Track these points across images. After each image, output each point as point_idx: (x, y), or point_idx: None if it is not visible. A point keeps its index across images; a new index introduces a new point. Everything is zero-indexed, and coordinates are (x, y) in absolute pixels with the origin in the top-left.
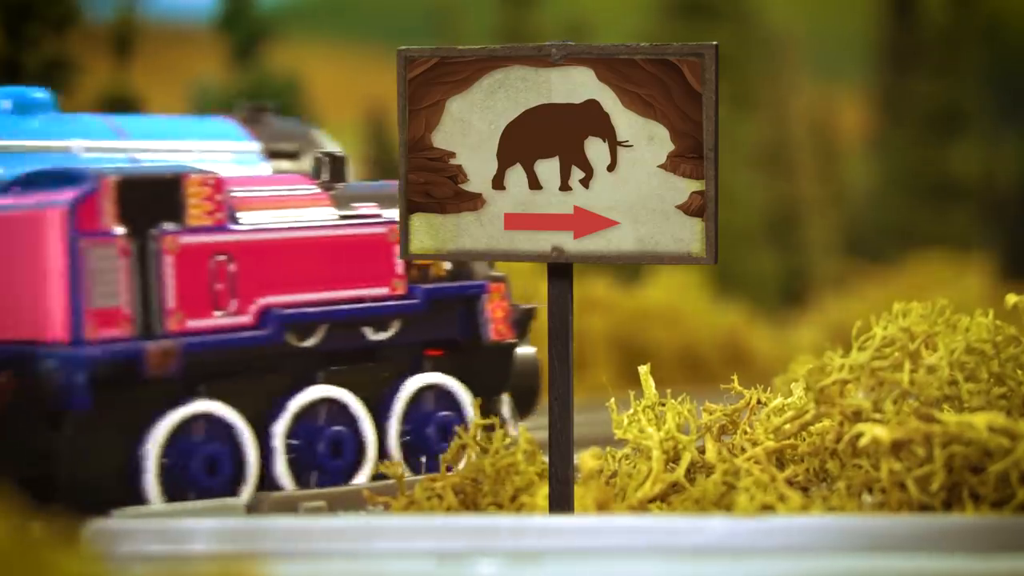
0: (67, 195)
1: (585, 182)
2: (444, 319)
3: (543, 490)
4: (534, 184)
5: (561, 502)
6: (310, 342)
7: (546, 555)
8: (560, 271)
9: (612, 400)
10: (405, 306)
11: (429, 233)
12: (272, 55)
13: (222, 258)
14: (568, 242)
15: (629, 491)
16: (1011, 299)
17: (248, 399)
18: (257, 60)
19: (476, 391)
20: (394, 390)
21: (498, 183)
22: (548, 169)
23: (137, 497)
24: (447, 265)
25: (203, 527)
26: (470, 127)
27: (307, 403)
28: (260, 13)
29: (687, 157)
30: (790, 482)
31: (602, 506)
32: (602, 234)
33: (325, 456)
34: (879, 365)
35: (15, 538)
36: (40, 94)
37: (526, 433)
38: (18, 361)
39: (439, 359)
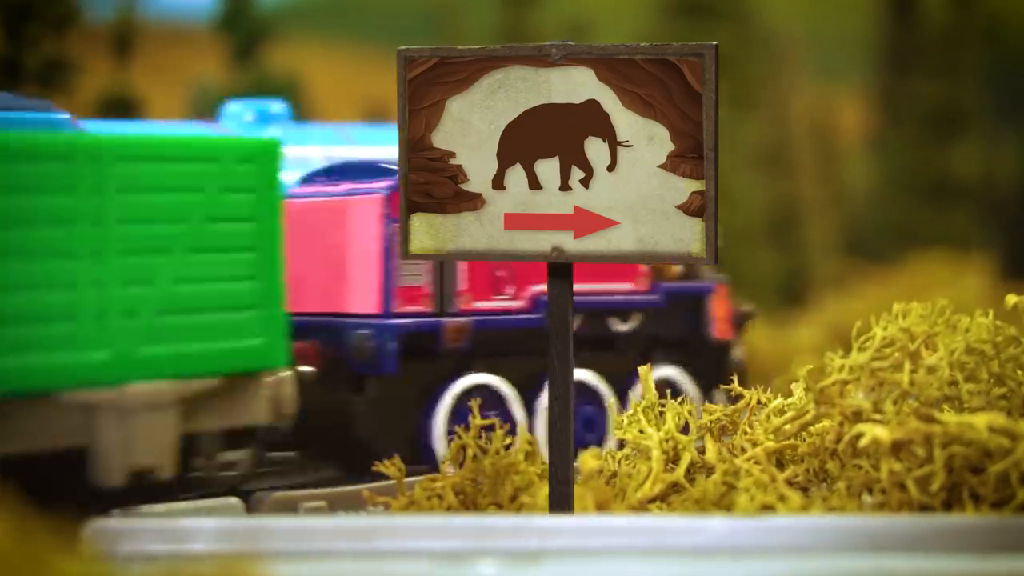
0: (381, 185)
1: (585, 182)
2: (677, 315)
3: (543, 490)
4: (534, 184)
5: (561, 502)
6: None
7: (546, 555)
8: (560, 271)
9: (612, 400)
10: (648, 301)
11: (429, 233)
12: (272, 55)
13: None
14: (568, 242)
15: (629, 491)
16: (1011, 299)
17: (516, 376)
18: (257, 60)
19: (698, 384)
20: (634, 376)
21: (498, 183)
22: (548, 169)
23: (427, 456)
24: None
25: (203, 527)
26: (470, 127)
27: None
28: (260, 13)
29: (687, 157)
30: (790, 482)
31: (602, 506)
32: (602, 234)
33: (578, 432)
34: (879, 365)
35: (15, 538)
36: (278, 107)
37: (526, 433)
38: (327, 331)
39: (667, 352)
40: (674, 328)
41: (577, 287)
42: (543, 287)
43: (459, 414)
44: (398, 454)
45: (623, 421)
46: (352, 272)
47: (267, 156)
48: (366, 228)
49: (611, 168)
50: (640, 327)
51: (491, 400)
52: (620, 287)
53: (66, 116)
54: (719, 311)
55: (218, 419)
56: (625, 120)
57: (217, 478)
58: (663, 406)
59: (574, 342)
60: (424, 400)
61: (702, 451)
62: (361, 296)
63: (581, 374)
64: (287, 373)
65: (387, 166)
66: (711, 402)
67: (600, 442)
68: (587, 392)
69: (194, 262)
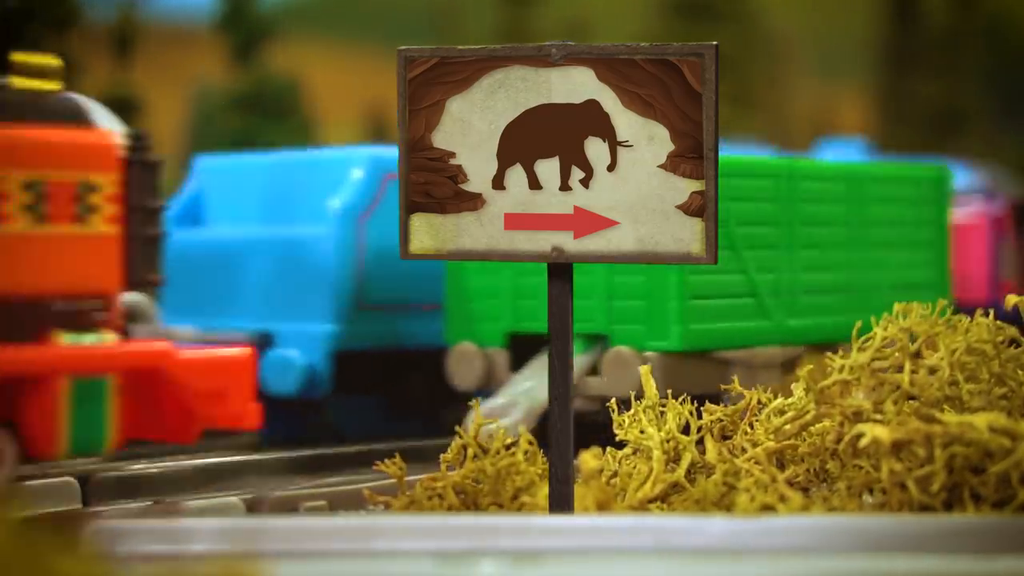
0: (990, 210)
1: (585, 182)
2: None
3: (543, 490)
4: (534, 184)
5: (561, 502)
6: None
7: (546, 555)
8: (560, 271)
9: (613, 400)
10: None
11: (429, 233)
12: (272, 55)
13: None
14: (568, 242)
15: (629, 491)
16: (1011, 299)
17: None
18: (257, 60)
19: None
20: None
21: (498, 183)
22: (548, 169)
23: None
24: None
25: (203, 527)
26: (470, 127)
27: None
28: (260, 13)
29: (687, 157)
30: (790, 482)
31: (602, 506)
32: (602, 234)
33: None
34: (880, 365)
35: (15, 539)
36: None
37: (526, 433)
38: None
39: None
40: None
41: None
42: None
43: None
44: None
45: (624, 421)
46: (968, 272)
47: (943, 179)
48: (979, 243)
49: (611, 168)
50: None
51: None
52: None
53: None
54: None
55: None
56: (625, 120)
57: None
58: (663, 406)
59: None
60: None
61: (703, 451)
62: (974, 290)
63: None
64: None
65: (992, 193)
66: None
67: None
68: None
69: (892, 257)
